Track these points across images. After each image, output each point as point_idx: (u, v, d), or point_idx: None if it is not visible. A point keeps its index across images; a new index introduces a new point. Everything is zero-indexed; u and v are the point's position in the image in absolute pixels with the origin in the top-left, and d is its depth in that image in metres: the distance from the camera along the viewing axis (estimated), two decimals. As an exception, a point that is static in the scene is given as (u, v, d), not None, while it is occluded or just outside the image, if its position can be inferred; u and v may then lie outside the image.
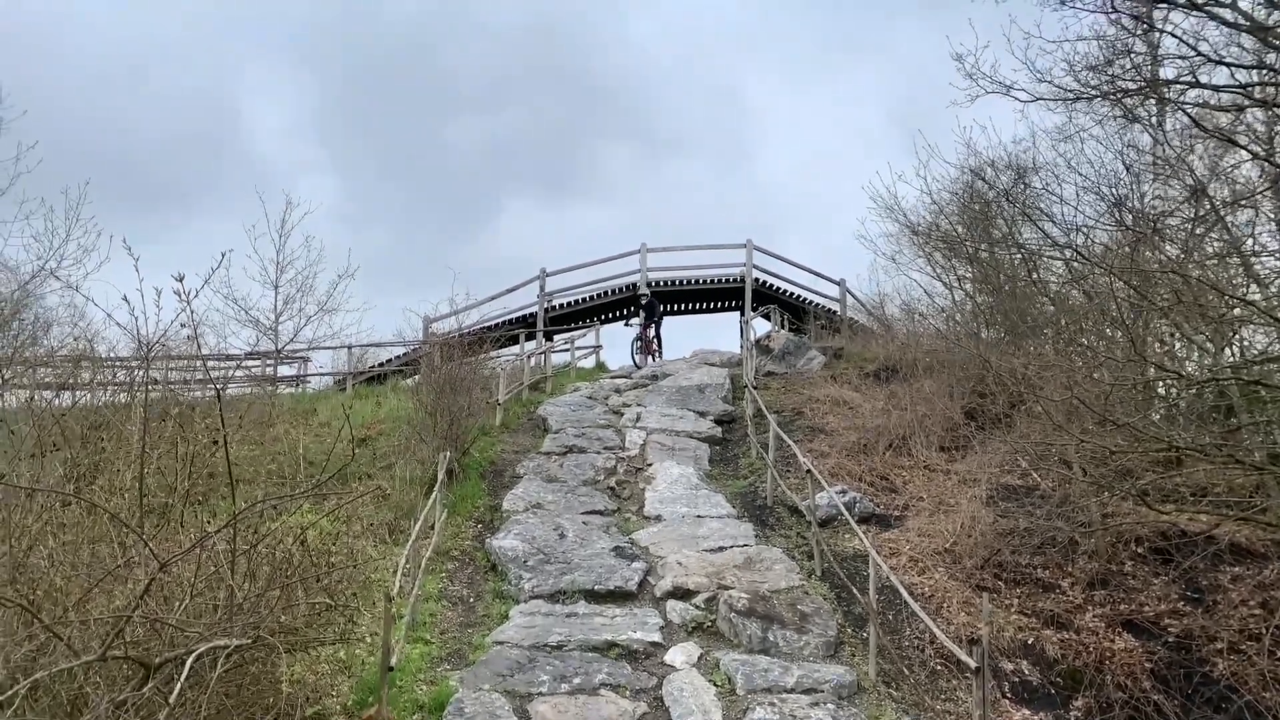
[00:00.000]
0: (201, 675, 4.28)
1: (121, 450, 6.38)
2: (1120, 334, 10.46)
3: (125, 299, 4.67)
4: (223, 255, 5.81)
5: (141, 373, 7.98)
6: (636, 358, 19.93)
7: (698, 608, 8.60)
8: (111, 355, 12.25)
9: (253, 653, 4.76)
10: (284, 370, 19.68)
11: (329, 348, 19.70)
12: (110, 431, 7.24)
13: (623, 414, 15.22)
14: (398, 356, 22.40)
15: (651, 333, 20.23)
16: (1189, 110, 9.18)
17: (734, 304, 24.56)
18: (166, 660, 4.18)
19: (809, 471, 9.98)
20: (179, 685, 3.71)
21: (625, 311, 24.09)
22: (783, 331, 20.64)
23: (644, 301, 20.66)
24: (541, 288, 23.53)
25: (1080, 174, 12.60)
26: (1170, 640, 8.39)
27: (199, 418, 6.87)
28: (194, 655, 3.89)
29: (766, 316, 23.18)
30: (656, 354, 20.28)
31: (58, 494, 5.13)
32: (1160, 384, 11.08)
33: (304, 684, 5.82)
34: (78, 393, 9.34)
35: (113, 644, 4.02)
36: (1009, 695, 7.91)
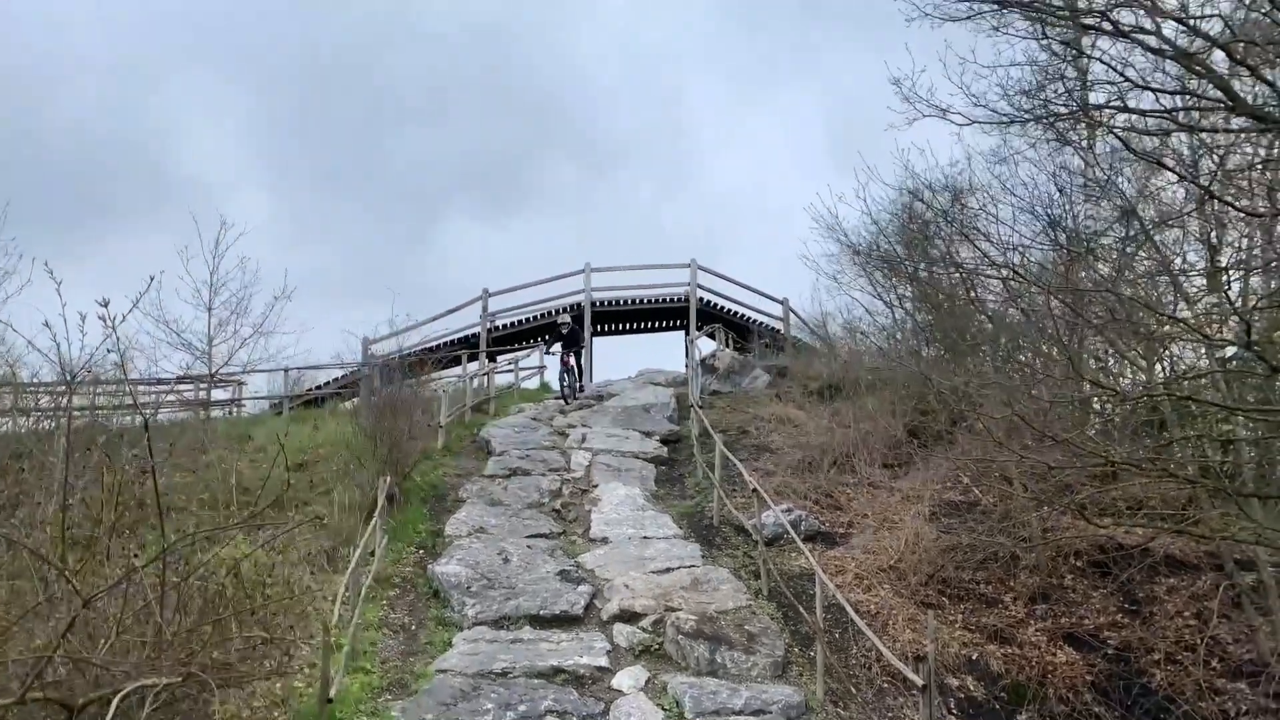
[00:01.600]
0: (129, 716, 4.11)
1: (43, 481, 6.13)
2: (1057, 351, 10.70)
3: (46, 324, 4.49)
4: (152, 278, 5.64)
5: (65, 399, 7.68)
6: (566, 390, 18.24)
7: (645, 630, 8.54)
8: (34, 380, 11.82)
9: (183, 690, 4.58)
10: (218, 394, 19.19)
11: (265, 370, 19.26)
12: (31, 461, 6.96)
13: (568, 435, 15.12)
14: (336, 379, 22.00)
15: (573, 361, 18.58)
16: (1118, 133, 9.45)
17: (679, 323, 24.65)
18: (90, 701, 4.00)
19: (754, 490, 10.00)
20: (105, 727, 3.55)
21: (546, 338, 23.99)
22: (727, 350, 20.74)
23: (564, 330, 18.94)
24: (484, 308, 23.35)
25: (1015, 195, 12.88)
26: (1110, 652, 8.56)
27: (127, 445, 6.63)
28: (120, 695, 3.73)
29: (711, 335, 23.26)
30: (578, 385, 18.55)
31: (-26, 527, 4.90)
32: (1095, 400, 11.34)
33: (238, 720, 5.64)
34: (-2, 420, 8.98)
35: (32, 685, 3.84)
36: (954, 711, 7.98)
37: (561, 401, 17.93)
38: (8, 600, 4.53)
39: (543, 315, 23.29)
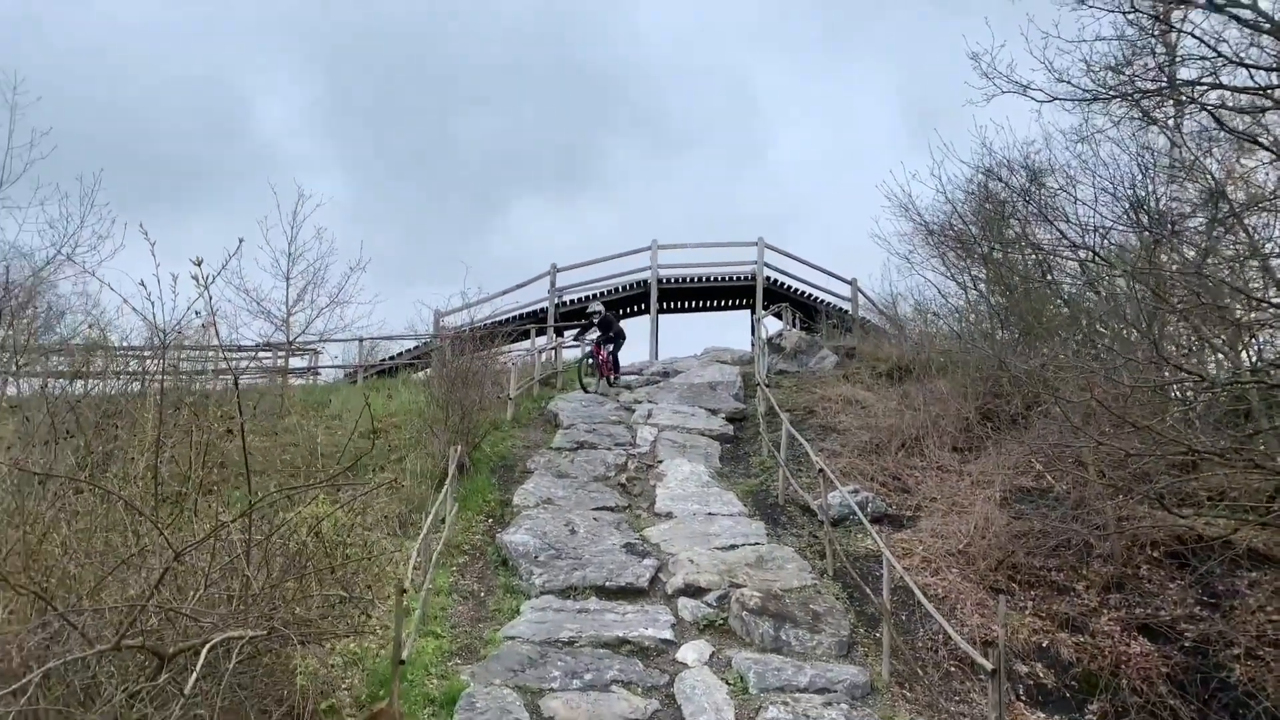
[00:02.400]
0: (215, 666, 4.24)
1: (135, 438, 6.34)
2: (1137, 336, 10.35)
3: (142, 283, 4.61)
4: (239, 242, 5.77)
5: (156, 361, 7.94)
6: (586, 380, 16.87)
7: (709, 605, 8.54)
8: (125, 344, 12.24)
9: (266, 644, 4.71)
10: (295, 362, 19.64)
11: (340, 340, 19.65)
12: (124, 419, 7.20)
13: (634, 410, 15.14)
14: (409, 350, 22.37)
15: (605, 352, 17.34)
16: (1211, 110, 9.06)
17: (745, 302, 24.48)
18: (180, 650, 4.13)
19: (821, 470, 9.90)
20: (194, 676, 3.66)
21: (630, 309, 23.88)
22: (794, 330, 20.54)
23: (596, 319, 17.76)
24: (552, 283, 23.48)
25: (1096, 175, 12.50)
26: (1186, 645, 8.30)
27: (213, 407, 6.82)
28: (208, 646, 3.84)
29: (778, 315, 23.09)
30: (611, 375, 17.38)
31: (71, 481, 5.08)
32: (1175, 388, 10.98)
33: (316, 676, 5.78)
34: (91, 381, 9.32)
35: (127, 633, 3.97)
36: (1023, 698, 7.83)
37: (628, 377, 17.89)
38: (103, 551, 4.70)
39: (610, 291, 23.35)
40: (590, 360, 17.35)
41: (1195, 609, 8.70)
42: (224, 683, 4.19)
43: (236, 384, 4.82)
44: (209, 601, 4.48)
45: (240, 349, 17.89)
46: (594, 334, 17.67)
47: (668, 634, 7.90)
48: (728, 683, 7.37)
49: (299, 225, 17.61)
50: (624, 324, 18.83)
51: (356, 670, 7.18)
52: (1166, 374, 9.56)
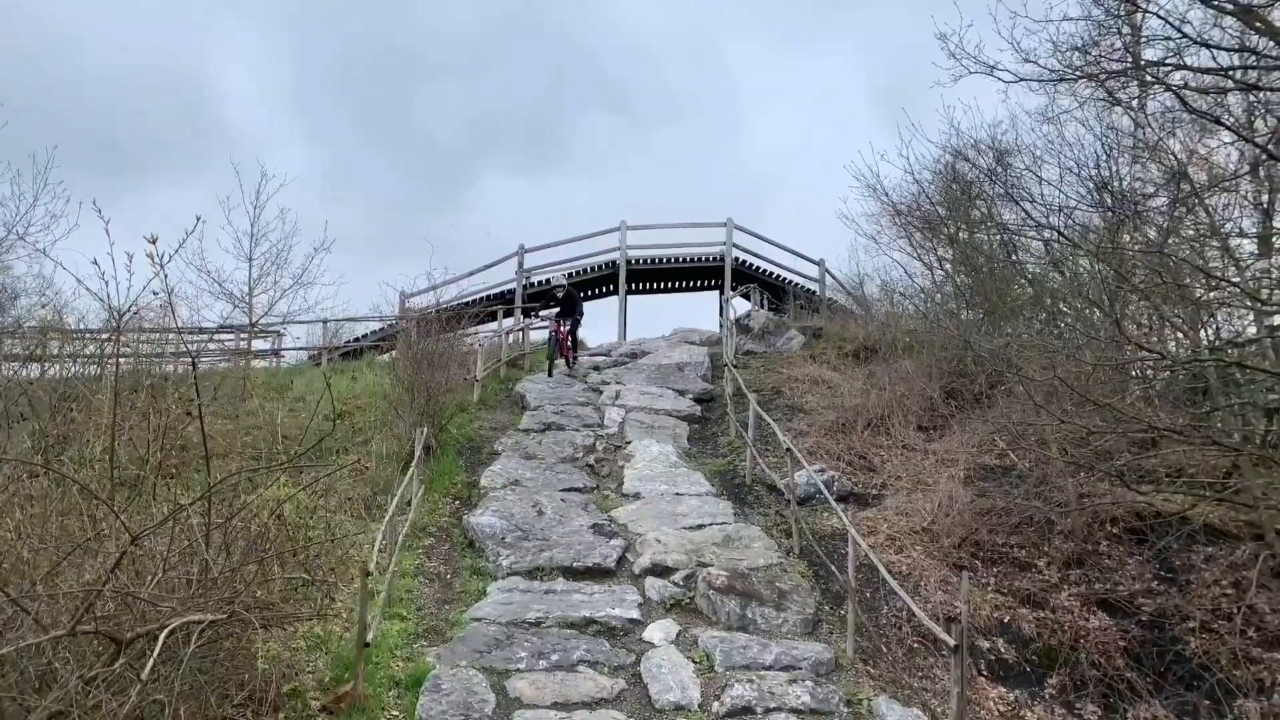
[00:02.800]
0: (174, 651, 4.19)
1: (91, 421, 6.23)
2: (1100, 315, 10.49)
3: (95, 262, 4.51)
4: (197, 220, 5.68)
5: (112, 343, 7.80)
6: (554, 362, 16.36)
7: (676, 585, 8.58)
8: (81, 326, 12.02)
9: (227, 628, 4.67)
10: (258, 344, 19.39)
11: (304, 322, 19.40)
12: (80, 403, 7.08)
13: (601, 391, 15.14)
14: (374, 331, 22.17)
15: (566, 329, 16.67)
16: (1175, 90, 9.15)
17: (713, 283, 24.49)
18: (138, 635, 4.09)
19: (788, 450, 9.97)
20: (151, 661, 3.62)
21: (599, 290, 23.77)
22: (762, 311, 20.61)
23: (560, 294, 17.17)
24: (520, 264, 23.35)
25: (1061, 155, 12.59)
26: (1144, 619, 8.48)
27: (172, 389, 6.72)
28: (166, 630, 3.80)
29: (746, 296, 23.13)
30: (571, 356, 16.78)
31: (25, 465, 4.99)
32: (1135, 367, 11.15)
33: (279, 660, 5.74)
34: (46, 364, 9.14)
35: (82, 619, 3.92)
36: (985, 673, 7.96)
37: (596, 358, 17.86)
38: (58, 536, 4.62)
39: (578, 272, 23.26)
40: (552, 339, 16.79)
41: (1153, 584, 8.88)
42: (183, 667, 4.15)
43: (195, 366, 4.76)
44: (168, 586, 4.42)
45: (201, 331, 17.63)
46: (554, 310, 17.23)
47: (635, 614, 7.92)
48: (694, 661, 7.42)
49: (262, 206, 17.28)
50: (593, 304, 18.69)
51: (320, 653, 7.13)
52: (1128, 352, 9.71)
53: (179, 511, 4.29)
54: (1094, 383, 9.30)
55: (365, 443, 10.89)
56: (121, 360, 7.72)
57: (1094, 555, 9.27)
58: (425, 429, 10.26)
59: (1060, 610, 8.54)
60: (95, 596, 4.00)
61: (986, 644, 8.19)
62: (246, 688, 4.74)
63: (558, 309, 17.10)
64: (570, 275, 22.82)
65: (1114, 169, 12.07)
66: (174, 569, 4.53)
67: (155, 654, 3.66)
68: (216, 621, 4.24)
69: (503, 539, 9.29)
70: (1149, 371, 10.74)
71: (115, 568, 3.98)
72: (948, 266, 16.32)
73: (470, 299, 21.45)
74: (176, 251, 4.70)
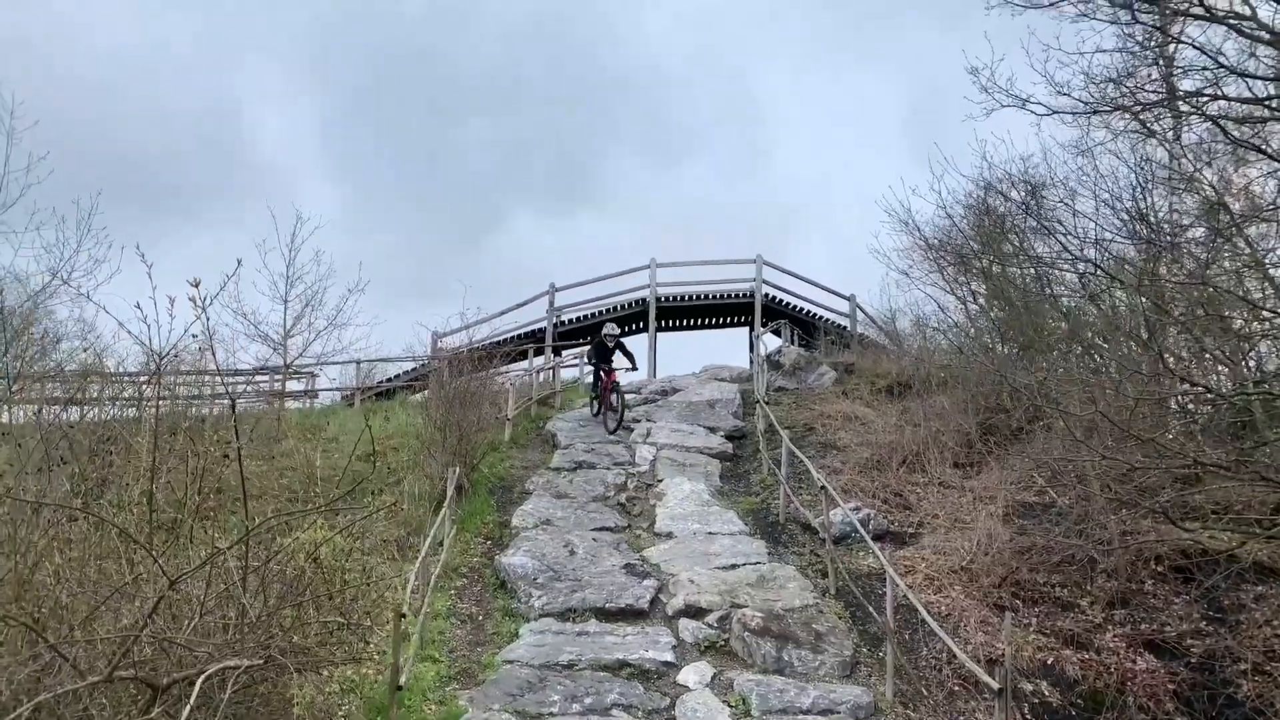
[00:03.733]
0: (210, 696, 4.19)
1: (130, 464, 6.31)
2: (1138, 349, 10.35)
3: (138, 306, 4.58)
4: (238, 263, 5.77)
5: (151, 385, 7.91)
6: (606, 417, 15.07)
7: (710, 626, 8.49)
8: (121, 369, 12.20)
9: (262, 673, 4.67)
10: (292, 385, 19.60)
11: (338, 362, 19.63)
12: (118, 445, 7.17)
13: (632, 429, 15.11)
14: (406, 371, 22.36)
15: (612, 381, 15.28)
16: (1214, 119, 9.08)
17: (743, 319, 24.50)
18: (174, 681, 4.09)
19: (822, 488, 9.87)
20: (188, 708, 3.62)
21: (629, 327, 23.73)
22: (793, 347, 20.54)
23: (610, 344, 15.70)
24: (551, 302, 23.51)
25: (1096, 188, 12.48)
26: (1193, 661, 8.24)
27: (210, 431, 6.78)
28: (204, 676, 3.80)
29: (776, 332, 23.10)
30: (614, 412, 14.97)
31: (64, 508, 5.05)
32: (1175, 400, 10.95)
33: (313, 705, 5.73)
34: (86, 407, 9.30)
35: (119, 664, 3.94)
36: (1029, 716, 7.76)
37: (626, 396, 17.33)
38: (96, 580, 4.66)
39: (609, 310, 23.36)
40: (595, 391, 15.78)
41: (1201, 624, 8.65)
42: (220, 714, 4.15)
43: (234, 408, 4.81)
44: (204, 630, 4.43)
45: (238, 373, 17.86)
46: (597, 359, 15.73)
47: (669, 656, 7.84)
48: (730, 705, 7.31)
49: (297, 248, 17.60)
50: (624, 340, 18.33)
51: (354, 696, 7.13)
52: (1169, 386, 9.55)
53: (216, 555, 4.31)
54: (1135, 417, 9.14)
55: (398, 483, 10.94)
56: (160, 403, 7.84)
57: (1139, 595, 9.05)
58: (457, 468, 10.28)
59: (1105, 651, 8.33)
60: (133, 642, 4.02)
61: (1030, 686, 8.00)
62: (281, 733, 4.72)
63: (597, 357, 15.77)
64: (600, 313, 22.94)
65: (1149, 200, 11.97)
66: (211, 613, 4.54)
67: (192, 700, 3.66)
68: (253, 666, 4.24)
69: (535, 579, 9.25)
70: (1190, 405, 10.54)
71: (153, 612, 4.00)
72: (981, 300, 16.20)
73: (501, 338, 21.61)
74: (217, 295, 4.78)
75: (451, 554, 9.61)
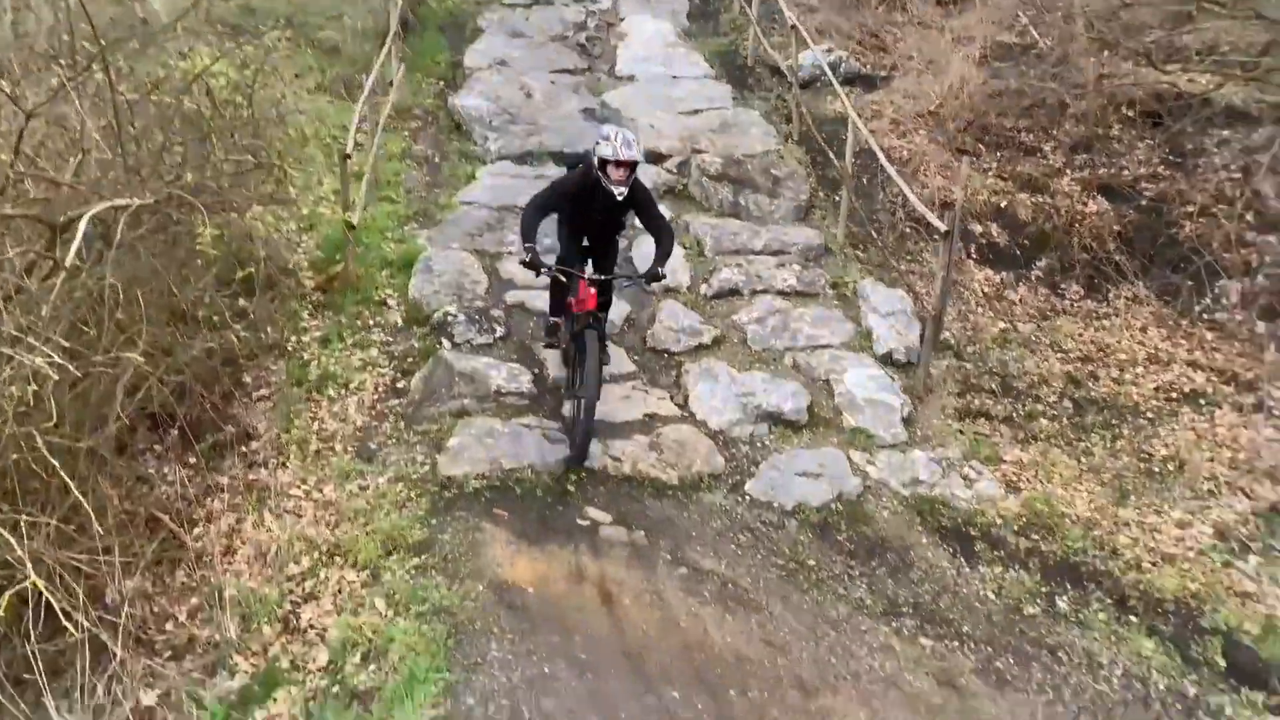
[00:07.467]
0: (121, 238, 3.74)
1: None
2: None
3: None
4: None
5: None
6: None
7: (670, 171, 8.06)
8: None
9: (178, 213, 4.19)
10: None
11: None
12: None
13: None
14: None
15: None
16: None
17: None
18: (71, 219, 3.60)
19: (794, 27, 8.83)
20: (74, 244, 3.17)
21: None
22: None
23: None
24: None
25: None
26: (1143, 204, 7.97)
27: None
28: (89, 214, 3.30)
29: None
30: None
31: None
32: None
33: (267, 241, 5.33)
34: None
35: (9, 201, 3.42)
36: (974, 256, 7.65)
37: None
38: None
39: None
40: None
41: (1159, 168, 8.25)
42: (132, 253, 3.74)
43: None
44: (95, 171, 3.86)
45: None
46: None
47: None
48: (684, 247, 7.09)
49: None
50: None
51: (311, 234, 6.80)
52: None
53: (74, 79, 3.58)
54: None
55: (338, 17, 9.65)
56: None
57: (1104, 140, 8.53)
58: (402, 1, 9.05)
59: (1060, 195, 8.02)
60: (10, 181, 3.46)
61: (979, 228, 7.79)
62: (186, 266, 4.31)
63: None
64: None
65: None
66: (100, 153, 3.93)
67: (78, 240, 3.20)
68: (145, 205, 3.73)
69: (490, 123, 8.57)
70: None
71: (17, 147, 3.38)
72: None
73: None
74: None
75: (402, 94, 8.77)
